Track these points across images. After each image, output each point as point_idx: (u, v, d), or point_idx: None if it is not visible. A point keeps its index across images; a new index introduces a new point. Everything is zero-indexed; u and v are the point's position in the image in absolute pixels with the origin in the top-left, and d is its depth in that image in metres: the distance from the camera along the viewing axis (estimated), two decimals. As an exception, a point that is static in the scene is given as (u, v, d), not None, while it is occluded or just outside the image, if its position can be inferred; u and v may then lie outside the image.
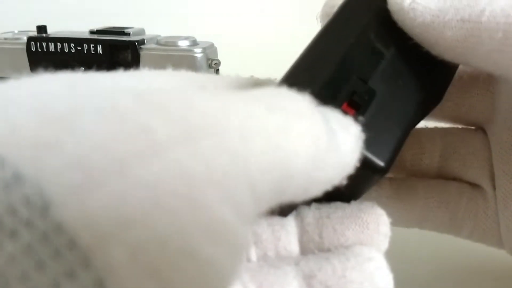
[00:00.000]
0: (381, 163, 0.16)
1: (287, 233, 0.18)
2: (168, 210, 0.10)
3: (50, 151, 0.09)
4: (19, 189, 0.09)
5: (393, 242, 0.23)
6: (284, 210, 0.18)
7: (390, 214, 0.23)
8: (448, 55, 0.18)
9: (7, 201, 0.09)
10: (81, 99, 0.11)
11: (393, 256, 0.22)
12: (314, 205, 0.18)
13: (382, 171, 0.17)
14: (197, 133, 0.11)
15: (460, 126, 0.24)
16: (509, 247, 0.22)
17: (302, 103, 0.14)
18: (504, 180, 0.22)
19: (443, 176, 0.24)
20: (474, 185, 0.23)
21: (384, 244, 0.18)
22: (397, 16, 0.18)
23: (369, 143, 0.16)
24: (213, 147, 0.11)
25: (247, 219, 0.11)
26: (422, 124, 0.24)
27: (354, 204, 0.18)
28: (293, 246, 0.18)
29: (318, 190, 0.14)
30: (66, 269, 0.09)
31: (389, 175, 0.24)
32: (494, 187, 0.23)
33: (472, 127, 0.24)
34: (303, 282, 0.16)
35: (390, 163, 0.17)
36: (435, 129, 0.24)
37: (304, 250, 0.18)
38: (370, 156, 0.16)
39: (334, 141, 0.14)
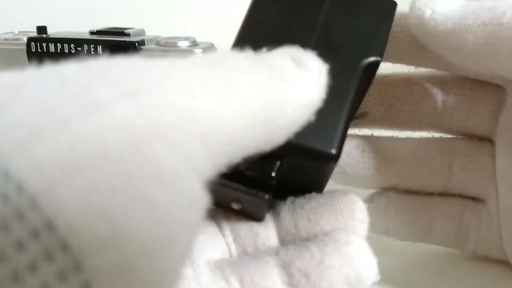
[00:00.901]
0: (332, 151, 0.16)
1: (265, 228, 0.18)
2: (115, 159, 0.10)
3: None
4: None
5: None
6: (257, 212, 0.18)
7: (399, 227, 0.24)
8: (470, 62, 0.19)
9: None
10: (27, 74, 0.11)
11: (387, 248, 0.22)
12: (289, 199, 0.18)
13: (334, 159, 0.17)
14: (140, 91, 0.11)
15: (467, 138, 0.24)
16: None
17: (244, 59, 0.14)
18: (506, 193, 0.22)
19: (448, 191, 0.24)
20: (477, 199, 0.24)
21: (362, 230, 0.18)
22: (417, 29, 0.19)
23: (315, 134, 0.16)
24: (156, 102, 0.11)
25: (201, 171, 0.12)
26: (428, 133, 0.24)
27: (327, 194, 0.18)
28: (272, 241, 0.18)
29: (282, 134, 0.14)
30: (14, 211, 0.09)
31: (368, 186, 0.24)
32: (497, 201, 0.23)
33: (479, 140, 0.24)
34: (283, 271, 0.17)
35: (340, 149, 0.17)
36: (444, 142, 0.24)
37: (283, 243, 0.18)
38: (320, 147, 0.16)
39: (286, 86, 0.14)
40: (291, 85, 0.14)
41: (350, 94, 0.17)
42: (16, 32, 0.40)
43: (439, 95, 0.23)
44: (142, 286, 0.11)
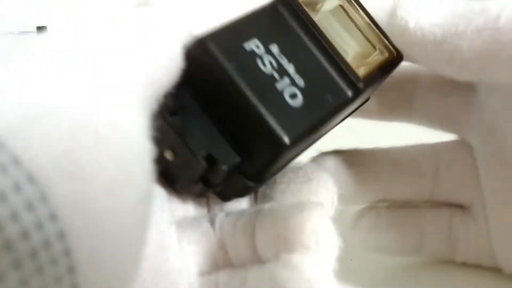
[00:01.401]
0: (285, 139, 0.15)
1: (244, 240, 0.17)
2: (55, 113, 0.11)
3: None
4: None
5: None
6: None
7: (389, 243, 0.23)
8: (464, 73, 0.17)
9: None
10: None
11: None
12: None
13: (283, 146, 0.16)
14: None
15: (451, 142, 0.23)
16: (506, 267, 0.22)
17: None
18: (493, 198, 0.21)
19: (435, 198, 0.23)
20: (464, 208, 0.23)
21: (333, 199, 0.18)
22: (402, 40, 0.17)
23: (282, 117, 0.15)
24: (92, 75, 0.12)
25: (140, 124, 0.13)
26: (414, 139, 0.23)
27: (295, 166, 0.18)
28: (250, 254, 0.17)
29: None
30: None
31: (384, 203, 0.23)
32: (484, 207, 0.22)
33: (462, 144, 0.23)
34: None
35: (294, 143, 0.16)
36: (429, 147, 0.23)
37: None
38: (278, 131, 0.15)
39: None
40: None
41: (330, 113, 0.17)
42: (16, 32, 0.40)
43: (410, 89, 0.22)
44: (105, 222, 0.11)
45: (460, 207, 0.23)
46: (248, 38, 0.17)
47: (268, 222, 0.16)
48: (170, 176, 0.17)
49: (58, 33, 0.13)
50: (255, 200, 0.19)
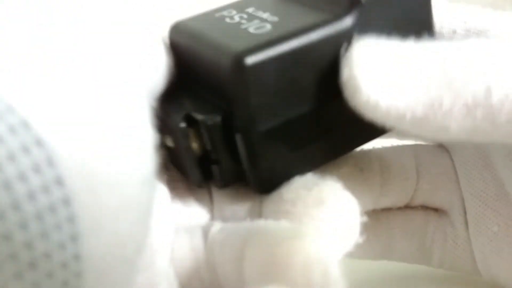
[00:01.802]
0: (244, 59, 0.15)
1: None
2: None
3: None
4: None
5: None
6: None
7: (359, 247, 0.21)
8: (454, 140, 0.15)
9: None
10: None
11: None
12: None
13: (247, 68, 0.14)
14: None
15: (429, 144, 0.22)
16: (487, 274, 0.21)
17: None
18: (473, 203, 0.21)
19: (413, 202, 0.22)
20: (440, 212, 0.22)
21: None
22: (372, 116, 0.14)
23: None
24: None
25: None
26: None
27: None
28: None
29: None
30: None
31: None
32: (464, 212, 0.21)
33: (440, 146, 0.22)
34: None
35: (257, 63, 0.15)
36: (411, 149, 0.22)
37: None
38: (234, 50, 0.15)
39: None
40: None
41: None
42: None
43: None
44: (109, 195, 0.11)
45: (436, 211, 0.22)
46: (221, 9, 0.18)
47: (259, 246, 0.14)
48: (179, 167, 0.17)
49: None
50: (250, 214, 0.18)
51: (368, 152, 0.21)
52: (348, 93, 0.14)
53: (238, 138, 0.16)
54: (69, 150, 0.11)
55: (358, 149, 0.20)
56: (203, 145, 0.16)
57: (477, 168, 0.20)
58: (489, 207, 0.20)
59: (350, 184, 0.18)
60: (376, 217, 0.22)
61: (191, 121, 0.16)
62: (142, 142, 0.13)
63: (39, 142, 0.11)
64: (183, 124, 0.16)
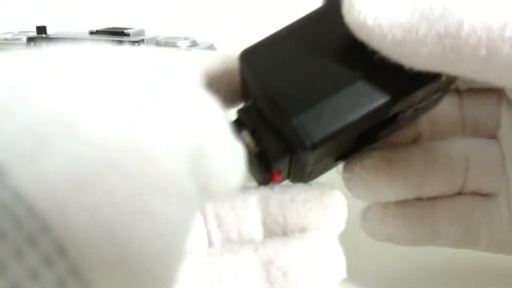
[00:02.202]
0: (306, 144, 0.16)
1: (250, 215, 0.18)
2: (119, 168, 0.10)
3: (1, 119, 0.09)
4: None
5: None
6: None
7: (400, 234, 0.23)
8: (427, 69, 0.16)
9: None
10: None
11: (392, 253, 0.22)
12: (277, 188, 0.18)
13: (304, 150, 0.16)
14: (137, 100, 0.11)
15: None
16: None
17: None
18: None
19: (464, 190, 0.23)
20: (487, 196, 0.23)
21: (342, 225, 0.19)
22: (360, 34, 0.16)
23: (307, 116, 0.16)
24: (153, 114, 0.11)
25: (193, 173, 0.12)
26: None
27: (315, 187, 0.19)
28: (256, 229, 0.18)
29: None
30: (26, 236, 0.09)
31: (397, 198, 0.23)
32: (509, 195, 0.22)
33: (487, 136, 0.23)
34: (261, 268, 0.17)
35: (319, 145, 0.16)
36: (459, 140, 0.23)
37: (268, 232, 0.18)
38: (299, 131, 0.16)
39: None
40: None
41: (362, 113, 0.17)
42: (16, 32, 0.40)
43: (456, 99, 0.23)
44: None
45: (482, 195, 0.23)
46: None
47: None
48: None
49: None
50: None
51: (414, 146, 0.23)
52: (344, 10, 0.16)
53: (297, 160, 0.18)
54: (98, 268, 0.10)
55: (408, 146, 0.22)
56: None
57: None
58: None
59: (376, 172, 0.21)
60: (421, 205, 0.23)
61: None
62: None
63: (61, 250, 0.09)
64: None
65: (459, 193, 0.23)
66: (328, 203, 0.18)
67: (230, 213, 0.18)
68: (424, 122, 0.22)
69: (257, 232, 0.18)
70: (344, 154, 0.21)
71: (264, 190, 0.19)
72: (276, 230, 0.18)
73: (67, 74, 0.11)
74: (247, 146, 0.17)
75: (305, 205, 0.18)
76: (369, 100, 0.17)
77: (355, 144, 0.20)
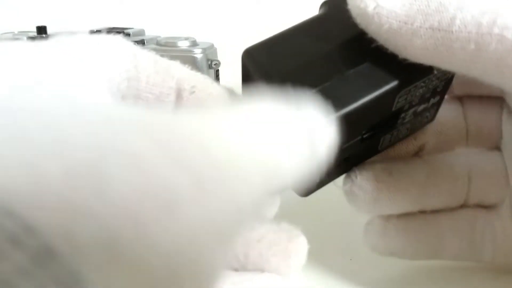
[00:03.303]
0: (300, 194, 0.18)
1: None
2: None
3: (80, 219, 0.09)
4: (51, 266, 0.09)
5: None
6: None
7: (403, 248, 0.23)
8: (419, 60, 0.17)
9: (40, 278, 0.08)
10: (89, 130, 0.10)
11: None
12: None
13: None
14: (206, 180, 0.10)
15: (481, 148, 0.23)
16: None
17: (282, 113, 0.13)
18: None
19: (467, 203, 0.23)
20: (489, 208, 0.23)
21: (299, 270, 0.19)
22: (360, 21, 0.17)
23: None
24: (221, 193, 0.11)
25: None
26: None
27: (284, 231, 0.19)
28: None
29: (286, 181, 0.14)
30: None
31: (399, 211, 0.23)
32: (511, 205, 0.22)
33: (492, 148, 0.23)
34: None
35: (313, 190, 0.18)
36: (461, 152, 0.23)
37: (230, 266, 0.18)
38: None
39: (313, 143, 0.14)
40: (316, 145, 0.14)
41: (373, 93, 0.17)
42: (16, 32, 0.40)
43: (460, 108, 0.23)
44: None
45: (486, 208, 0.23)
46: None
47: None
48: None
49: None
50: None
51: (416, 159, 0.23)
52: None
53: None
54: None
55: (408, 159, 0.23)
56: None
57: None
58: None
59: (377, 184, 0.21)
60: (424, 218, 0.23)
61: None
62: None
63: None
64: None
65: (462, 206, 0.23)
66: (292, 250, 0.18)
67: None
68: (428, 133, 0.22)
69: None
70: (348, 161, 0.21)
71: None
72: (234, 266, 0.18)
73: (138, 158, 0.10)
74: None
75: (270, 249, 0.18)
76: (377, 83, 0.17)
77: (359, 150, 0.20)
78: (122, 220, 0.09)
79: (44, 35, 0.38)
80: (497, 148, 0.23)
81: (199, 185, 0.10)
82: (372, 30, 0.17)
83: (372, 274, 0.24)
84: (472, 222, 0.23)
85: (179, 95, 0.17)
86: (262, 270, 0.18)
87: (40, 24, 0.38)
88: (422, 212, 0.23)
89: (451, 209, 0.23)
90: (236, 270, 0.18)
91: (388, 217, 0.23)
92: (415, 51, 0.17)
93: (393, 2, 0.17)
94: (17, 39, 0.39)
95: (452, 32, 0.16)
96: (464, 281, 0.24)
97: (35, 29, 0.38)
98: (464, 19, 0.16)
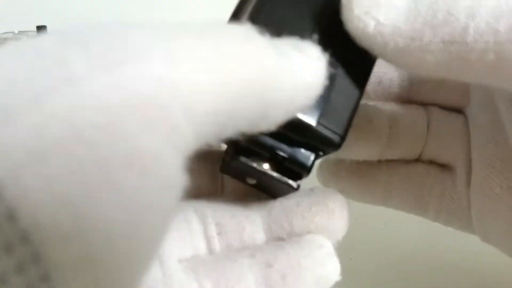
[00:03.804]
0: (336, 140, 0.17)
1: (252, 222, 0.18)
2: (86, 141, 0.10)
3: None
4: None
5: (392, 241, 0.23)
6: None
7: (352, 189, 0.23)
8: (432, 76, 0.16)
9: None
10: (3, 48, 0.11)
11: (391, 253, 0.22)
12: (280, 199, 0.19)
13: (337, 147, 0.17)
14: (118, 62, 0.10)
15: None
16: (481, 232, 0.22)
17: (239, 29, 0.13)
18: (480, 164, 0.22)
19: (421, 159, 0.23)
20: (443, 167, 0.23)
21: (345, 230, 0.19)
22: (362, 43, 0.16)
23: (324, 119, 0.16)
24: (135, 74, 0.10)
25: (184, 144, 0.11)
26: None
27: (318, 192, 0.19)
28: (258, 235, 0.18)
29: (280, 114, 0.14)
30: None
31: (360, 158, 0.23)
32: (467, 172, 0.22)
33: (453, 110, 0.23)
34: (259, 274, 0.17)
35: (344, 138, 0.17)
36: (423, 108, 0.23)
37: (272, 239, 0.18)
38: (326, 134, 0.16)
39: (285, 62, 0.14)
40: (290, 61, 0.14)
41: (364, 84, 0.17)
42: (16, 31, 0.40)
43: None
44: (105, 278, 0.10)
45: (439, 166, 0.23)
46: None
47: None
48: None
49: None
50: None
51: (381, 106, 0.23)
52: (344, 16, 0.16)
53: None
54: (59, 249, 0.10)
55: (372, 103, 0.22)
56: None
57: (491, 132, 0.21)
58: (496, 169, 0.21)
59: (358, 133, 0.21)
60: (377, 165, 0.23)
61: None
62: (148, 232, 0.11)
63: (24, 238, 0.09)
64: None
65: (416, 160, 0.23)
66: (333, 208, 0.18)
67: (231, 221, 0.18)
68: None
69: (260, 238, 0.18)
70: None
71: (264, 198, 0.19)
72: (281, 236, 0.18)
73: (31, 46, 0.11)
74: (268, 172, 0.17)
75: (310, 210, 0.18)
76: (356, 81, 0.17)
77: None
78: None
79: (44, 35, 0.38)
80: (462, 111, 0.23)
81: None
82: (376, 51, 0.16)
83: (372, 274, 0.24)
84: (423, 177, 0.23)
85: None
86: (310, 233, 0.18)
87: (40, 24, 0.38)
88: (378, 161, 0.23)
89: (406, 161, 0.23)
90: (282, 239, 0.18)
91: (340, 161, 0.23)
92: (428, 68, 0.15)
93: (395, 17, 0.15)
94: (17, 39, 0.39)
95: (466, 43, 0.14)
96: (464, 281, 0.24)
97: (35, 29, 0.38)
98: (478, 27, 0.14)
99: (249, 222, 0.18)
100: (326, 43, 0.16)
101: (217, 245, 0.18)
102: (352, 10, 0.15)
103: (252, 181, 0.18)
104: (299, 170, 0.17)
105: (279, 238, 0.18)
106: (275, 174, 0.17)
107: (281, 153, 0.17)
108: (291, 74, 0.14)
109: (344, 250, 0.26)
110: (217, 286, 0.17)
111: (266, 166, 0.17)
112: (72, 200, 0.10)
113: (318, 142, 0.17)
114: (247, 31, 0.13)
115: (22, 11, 0.52)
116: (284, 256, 0.17)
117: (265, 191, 0.19)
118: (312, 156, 0.18)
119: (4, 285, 0.09)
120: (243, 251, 0.18)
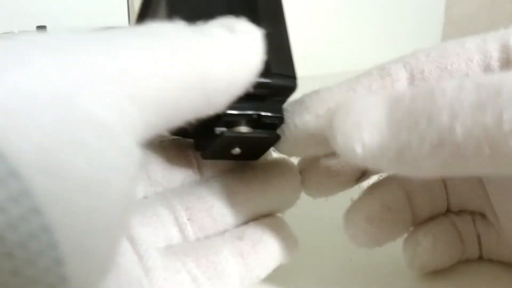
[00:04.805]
0: (294, 84, 0.18)
1: (218, 199, 0.19)
2: (49, 108, 0.11)
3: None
4: None
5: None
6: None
7: (449, 258, 0.23)
8: (433, 176, 0.15)
9: None
10: None
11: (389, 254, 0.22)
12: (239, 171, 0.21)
13: (295, 88, 0.19)
14: (66, 53, 0.12)
15: None
16: None
17: (171, 27, 0.14)
18: (500, 207, 0.21)
19: (451, 210, 0.23)
20: (475, 214, 0.23)
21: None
22: (356, 164, 0.16)
23: (276, 69, 0.18)
24: (82, 63, 0.12)
25: (133, 128, 0.13)
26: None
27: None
28: (228, 211, 0.20)
29: (222, 96, 0.15)
30: None
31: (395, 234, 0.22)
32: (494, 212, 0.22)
33: None
34: (233, 246, 0.19)
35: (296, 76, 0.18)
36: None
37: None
38: (283, 82, 0.18)
39: (220, 46, 0.14)
40: (224, 47, 0.14)
41: (283, 17, 0.19)
42: (16, 31, 0.40)
43: None
44: (85, 219, 0.12)
45: (471, 213, 0.23)
46: None
47: None
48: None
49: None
50: None
51: (392, 185, 0.21)
52: (330, 139, 0.16)
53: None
54: (43, 180, 0.11)
55: (384, 183, 0.22)
56: None
57: (503, 184, 0.21)
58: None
59: (382, 226, 0.21)
60: (448, 225, 0.23)
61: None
62: (120, 166, 0.13)
63: (14, 174, 0.11)
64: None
65: (446, 213, 0.23)
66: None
67: (198, 203, 0.19)
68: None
69: (229, 215, 0.20)
70: None
71: (225, 176, 0.20)
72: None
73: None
74: (252, 133, 0.18)
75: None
76: (277, 20, 0.19)
77: None
78: None
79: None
80: None
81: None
82: (372, 167, 0.16)
83: (372, 274, 0.24)
84: (473, 223, 0.23)
85: None
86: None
87: (40, 24, 0.38)
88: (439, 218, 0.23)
89: (457, 214, 0.23)
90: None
91: (433, 234, 0.23)
92: (425, 171, 0.15)
93: (379, 134, 0.15)
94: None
95: (457, 145, 0.14)
96: (464, 281, 0.24)
97: (35, 29, 0.38)
98: (465, 125, 0.14)
99: (217, 199, 0.19)
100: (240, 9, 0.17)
101: (190, 230, 0.19)
102: (335, 139, 0.16)
103: (236, 151, 0.19)
104: (275, 121, 0.19)
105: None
106: (258, 132, 0.18)
107: (253, 113, 0.18)
108: (226, 59, 0.14)
109: (344, 250, 0.26)
110: (198, 261, 0.18)
111: (247, 129, 0.18)
112: (45, 147, 0.11)
113: (280, 92, 0.19)
114: (178, 27, 0.14)
115: (22, 11, 0.52)
116: (250, 229, 0.20)
117: (248, 157, 0.20)
118: (280, 104, 0.19)
119: (2, 213, 0.10)
120: (218, 228, 0.19)
